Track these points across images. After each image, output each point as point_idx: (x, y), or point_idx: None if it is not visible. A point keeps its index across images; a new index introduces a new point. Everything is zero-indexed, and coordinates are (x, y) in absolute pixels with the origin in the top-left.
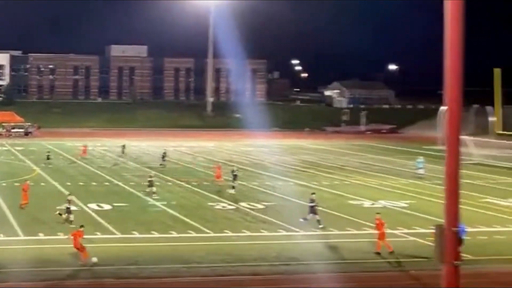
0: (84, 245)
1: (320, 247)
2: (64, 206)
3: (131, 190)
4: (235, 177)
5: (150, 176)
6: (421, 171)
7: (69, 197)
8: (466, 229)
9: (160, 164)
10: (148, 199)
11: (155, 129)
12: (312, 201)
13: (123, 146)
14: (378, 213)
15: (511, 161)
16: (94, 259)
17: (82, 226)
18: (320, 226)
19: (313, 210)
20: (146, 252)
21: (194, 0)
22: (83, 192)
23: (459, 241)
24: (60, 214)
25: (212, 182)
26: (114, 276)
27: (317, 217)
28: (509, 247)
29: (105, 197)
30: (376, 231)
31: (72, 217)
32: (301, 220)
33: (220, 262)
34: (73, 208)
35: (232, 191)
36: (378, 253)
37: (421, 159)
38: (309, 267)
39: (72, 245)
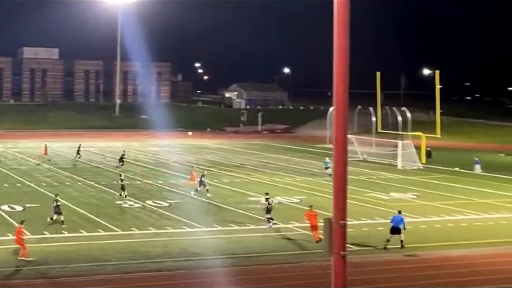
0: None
1: (221, 242)
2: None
3: (43, 190)
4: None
5: (122, 180)
6: (329, 170)
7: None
8: (403, 220)
9: (116, 167)
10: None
11: (66, 130)
12: (267, 200)
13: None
14: (311, 206)
15: (391, 158)
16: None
17: (22, 222)
18: (272, 222)
19: (268, 211)
20: (57, 251)
21: (102, 0)
22: None
23: (396, 230)
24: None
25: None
26: (24, 277)
27: (268, 216)
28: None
29: (17, 199)
30: (309, 223)
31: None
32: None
33: (127, 260)
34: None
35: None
36: (318, 241)
37: (327, 159)
38: (211, 262)
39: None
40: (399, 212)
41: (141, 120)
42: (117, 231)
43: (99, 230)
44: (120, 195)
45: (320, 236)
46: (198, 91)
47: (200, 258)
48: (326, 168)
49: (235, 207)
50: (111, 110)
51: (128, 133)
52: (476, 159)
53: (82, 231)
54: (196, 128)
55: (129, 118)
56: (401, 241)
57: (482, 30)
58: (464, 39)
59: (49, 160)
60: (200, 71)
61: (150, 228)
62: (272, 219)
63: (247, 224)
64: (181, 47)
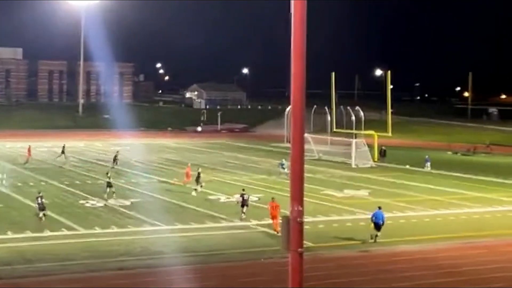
0: None
1: (182, 240)
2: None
3: (4, 190)
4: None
5: (109, 177)
6: (286, 170)
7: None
8: (384, 217)
9: (112, 167)
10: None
11: (30, 130)
12: (243, 195)
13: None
14: (273, 198)
15: (344, 156)
16: None
17: None
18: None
19: (244, 203)
20: (21, 251)
21: (66, 0)
22: None
23: (377, 226)
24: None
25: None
26: None
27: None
28: (342, 234)
29: None
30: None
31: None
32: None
33: (90, 258)
34: None
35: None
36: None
37: (284, 160)
38: (172, 260)
39: None
40: (379, 208)
41: (104, 120)
42: (80, 230)
43: (63, 229)
44: (111, 192)
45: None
46: (159, 91)
47: (162, 256)
48: (283, 168)
49: (195, 206)
50: (74, 110)
51: (91, 133)
52: (426, 157)
53: (46, 230)
54: (158, 127)
55: (92, 118)
56: (376, 236)
57: (431, 33)
58: (414, 41)
59: (25, 163)
60: (161, 71)
61: (113, 227)
62: (244, 213)
63: (206, 222)
64: (143, 48)
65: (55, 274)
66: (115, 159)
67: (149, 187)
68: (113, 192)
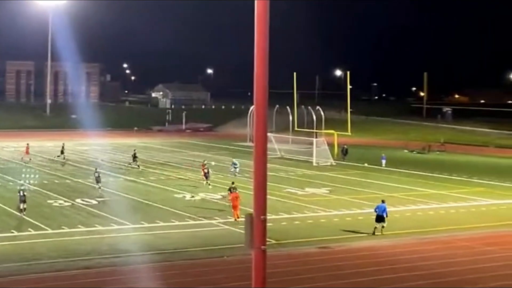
0: None
1: (148, 238)
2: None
3: None
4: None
5: (98, 172)
6: (236, 170)
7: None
8: (386, 209)
9: (129, 163)
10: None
11: None
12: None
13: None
14: (234, 188)
15: (306, 155)
16: None
17: None
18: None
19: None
20: None
21: (34, 0)
22: None
23: (380, 218)
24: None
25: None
26: None
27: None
28: (304, 231)
29: None
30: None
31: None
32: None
33: (58, 258)
34: None
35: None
36: (237, 219)
37: (235, 160)
38: (139, 258)
39: None
40: (383, 201)
41: (71, 120)
42: (47, 230)
43: (30, 229)
44: (99, 187)
45: (239, 216)
46: (126, 91)
47: (128, 255)
48: (235, 167)
49: (161, 204)
50: (42, 110)
51: (59, 133)
52: (382, 155)
53: (13, 230)
54: (124, 127)
55: (60, 118)
56: (382, 227)
57: (389, 34)
58: (373, 42)
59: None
60: (128, 71)
61: (80, 226)
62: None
63: (172, 220)
64: (110, 48)
65: (21, 274)
66: (134, 157)
67: (116, 186)
68: (100, 188)
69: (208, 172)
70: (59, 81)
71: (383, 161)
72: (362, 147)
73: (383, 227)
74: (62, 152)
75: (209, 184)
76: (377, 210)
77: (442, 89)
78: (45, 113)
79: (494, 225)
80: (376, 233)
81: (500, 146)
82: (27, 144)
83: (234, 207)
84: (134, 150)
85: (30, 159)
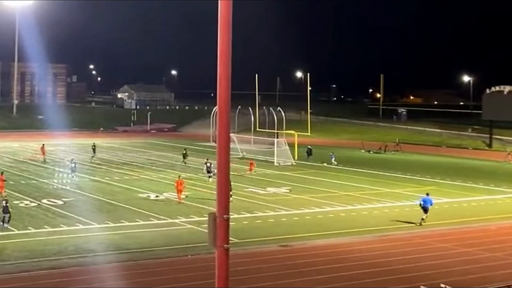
0: None
1: (114, 238)
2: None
3: None
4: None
5: (74, 163)
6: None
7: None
8: (432, 200)
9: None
10: None
11: None
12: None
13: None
14: (179, 176)
15: (267, 155)
16: None
17: None
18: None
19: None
20: None
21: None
22: None
23: (427, 209)
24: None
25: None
26: None
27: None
28: (265, 230)
29: None
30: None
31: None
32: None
33: (24, 258)
34: None
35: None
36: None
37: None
38: (105, 258)
39: None
40: (427, 194)
41: (38, 121)
42: (13, 230)
43: None
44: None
45: (182, 198)
46: (92, 92)
47: (95, 255)
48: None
49: (125, 204)
50: (8, 110)
51: (26, 133)
52: (331, 153)
53: None
54: (90, 128)
55: (26, 119)
56: (422, 219)
57: (346, 37)
58: (331, 44)
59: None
60: (93, 72)
61: (46, 226)
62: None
63: (137, 220)
64: (76, 49)
65: None
66: (184, 155)
67: (81, 186)
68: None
69: (210, 166)
70: (25, 81)
71: (332, 159)
72: (321, 147)
73: (422, 219)
74: (94, 151)
75: (210, 177)
76: (422, 202)
77: (398, 91)
78: (11, 114)
79: (447, 223)
80: (422, 224)
81: (452, 146)
82: (43, 144)
83: (179, 191)
84: (185, 150)
85: (44, 160)
